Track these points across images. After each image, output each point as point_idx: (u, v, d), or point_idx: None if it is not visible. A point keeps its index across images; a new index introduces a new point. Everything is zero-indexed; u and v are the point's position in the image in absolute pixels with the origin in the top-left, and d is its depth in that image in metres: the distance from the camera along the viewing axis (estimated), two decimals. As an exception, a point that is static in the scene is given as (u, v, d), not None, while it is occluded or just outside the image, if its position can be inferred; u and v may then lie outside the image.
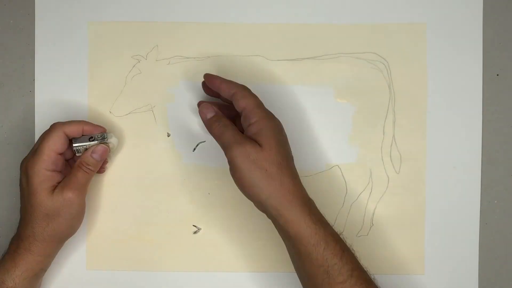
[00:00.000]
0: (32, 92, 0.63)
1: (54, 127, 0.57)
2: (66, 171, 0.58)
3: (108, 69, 0.63)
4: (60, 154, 0.57)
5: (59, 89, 0.63)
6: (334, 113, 0.62)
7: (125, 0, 0.63)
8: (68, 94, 0.63)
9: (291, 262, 0.62)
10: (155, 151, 0.63)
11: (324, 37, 0.63)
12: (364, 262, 0.62)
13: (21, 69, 0.63)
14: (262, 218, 0.63)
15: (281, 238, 0.62)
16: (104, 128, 0.59)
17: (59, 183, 0.56)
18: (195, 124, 0.63)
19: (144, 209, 0.63)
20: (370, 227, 0.62)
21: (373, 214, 0.62)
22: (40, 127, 0.62)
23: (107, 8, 0.63)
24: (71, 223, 0.56)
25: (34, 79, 0.63)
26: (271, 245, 0.62)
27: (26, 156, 0.57)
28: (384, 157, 0.62)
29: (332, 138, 0.62)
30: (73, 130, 0.57)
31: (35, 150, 0.56)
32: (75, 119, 0.58)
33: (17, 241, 0.55)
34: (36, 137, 0.62)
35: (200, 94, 0.62)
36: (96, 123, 0.59)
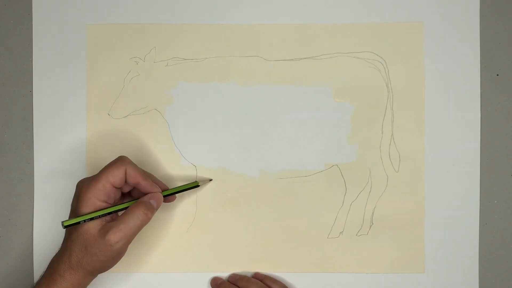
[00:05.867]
0: (32, 92, 0.63)
1: (119, 160, 0.56)
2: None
3: (106, 71, 0.63)
4: (117, 188, 0.56)
5: (58, 91, 0.63)
6: (332, 113, 0.63)
7: (123, 2, 0.63)
8: (67, 96, 0.63)
9: (290, 262, 0.62)
10: (154, 153, 0.63)
11: (322, 37, 0.63)
12: (364, 261, 0.62)
13: (21, 70, 0.63)
14: (261, 219, 0.63)
15: (281, 239, 0.62)
16: (156, 189, 0.57)
17: (107, 218, 0.55)
18: (194, 125, 0.63)
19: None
20: (370, 226, 0.62)
21: (373, 213, 0.62)
22: (39, 128, 0.63)
23: (105, 10, 0.63)
24: (106, 264, 0.54)
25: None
26: (271, 245, 0.62)
27: (85, 178, 0.56)
28: (383, 156, 0.62)
29: (330, 138, 0.63)
30: (132, 175, 0.55)
31: (94, 176, 0.55)
32: (145, 169, 0.58)
33: (55, 264, 0.54)
34: (35, 138, 0.63)
35: (199, 96, 0.62)
36: (157, 181, 0.59)
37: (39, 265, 0.62)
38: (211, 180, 0.62)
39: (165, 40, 0.63)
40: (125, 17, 0.63)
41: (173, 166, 0.63)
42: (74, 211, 0.54)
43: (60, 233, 0.62)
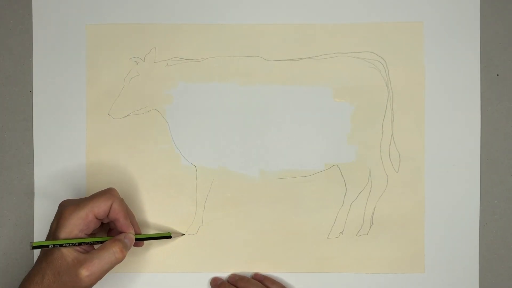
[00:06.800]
0: (32, 92, 0.63)
1: (108, 192, 0.56)
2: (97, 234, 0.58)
3: (106, 71, 0.63)
4: (98, 219, 0.56)
5: (58, 91, 0.63)
6: (332, 113, 0.63)
7: (123, 2, 0.63)
8: (67, 96, 0.63)
9: (290, 262, 0.62)
10: (154, 153, 0.63)
11: (322, 37, 0.63)
12: (364, 261, 0.62)
13: (21, 70, 0.63)
14: (261, 219, 0.63)
15: (281, 239, 0.62)
16: (130, 230, 0.57)
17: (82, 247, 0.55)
18: (194, 125, 0.63)
19: (143, 211, 0.63)
20: (370, 226, 0.62)
21: (373, 213, 0.62)
22: (39, 128, 0.63)
23: (105, 10, 0.63)
24: None
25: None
26: (271, 245, 0.62)
27: (69, 200, 0.56)
28: (383, 156, 0.62)
29: (331, 138, 0.62)
30: (115, 210, 0.56)
31: (79, 202, 0.55)
32: (126, 209, 0.58)
33: (27, 284, 0.53)
34: (35, 138, 0.63)
35: (199, 96, 0.62)
36: (134, 223, 0.59)
37: (39, 265, 0.62)
38: (183, 234, 0.62)
39: (165, 40, 0.63)
40: (125, 17, 0.63)
41: (173, 166, 0.63)
42: (53, 234, 0.54)
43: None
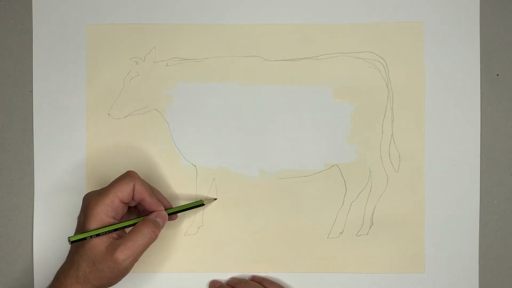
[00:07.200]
0: (32, 92, 0.63)
1: (128, 175, 0.56)
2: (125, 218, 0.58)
3: (106, 71, 0.63)
4: (124, 203, 0.56)
5: (58, 91, 0.63)
6: (332, 113, 0.63)
7: (123, 2, 0.63)
8: (67, 96, 0.63)
9: (290, 262, 0.62)
10: (154, 153, 0.63)
11: (322, 37, 0.63)
12: (364, 261, 0.62)
13: (21, 70, 0.63)
14: (261, 219, 0.63)
15: (281, 239, 0.61)
16: (160, 207, 0.57)
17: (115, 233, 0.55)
18: (194, 125, 0.63)
19: (144, 211, 0.63)
20: (370, 226, 0.62)
21: (373, 213, 0.62)
22: (39, 128, 0.63)
23: (105, 10, 0.63)
24: (113, 280, 0.54)
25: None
26: (271, 245, 0.62)
27: (91, 192, 0.56)
28: (383, 156, 0.62)
29: (330, 138, 0.62)
30: (139, 191, 0.56)
31: (102, 191, 0.55)
32: (152, 186, 0.59)
33: (62, 277, 0.53)
34: (35, 138, 0.63)
35: (199, 96, 0.62)
36: (162, 199, 0.59)
37: (39, 265, 0.62)
38: (215, 199, 0.62)
39: (165, 40, 0.63)
40: (125, 17, 0.63)
41: (173, 166, 0.63)
42: (82, 226, 0.54)
43: (60, 234, 0.62)
